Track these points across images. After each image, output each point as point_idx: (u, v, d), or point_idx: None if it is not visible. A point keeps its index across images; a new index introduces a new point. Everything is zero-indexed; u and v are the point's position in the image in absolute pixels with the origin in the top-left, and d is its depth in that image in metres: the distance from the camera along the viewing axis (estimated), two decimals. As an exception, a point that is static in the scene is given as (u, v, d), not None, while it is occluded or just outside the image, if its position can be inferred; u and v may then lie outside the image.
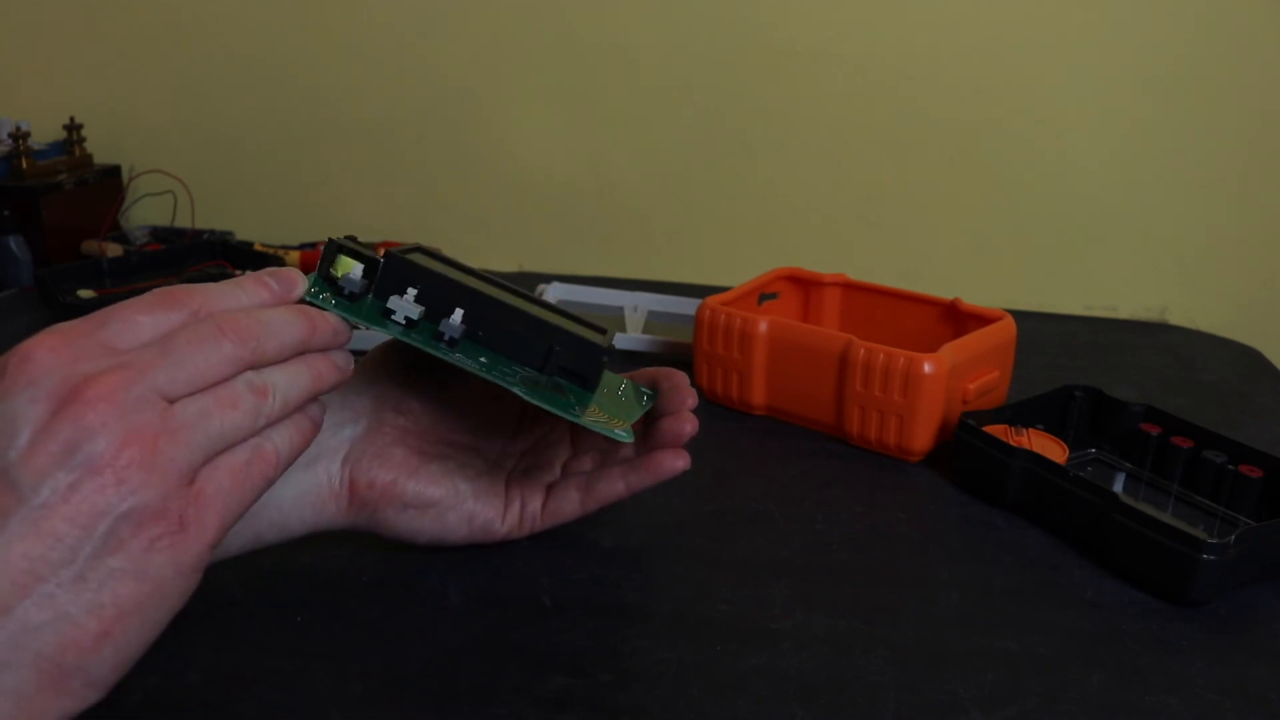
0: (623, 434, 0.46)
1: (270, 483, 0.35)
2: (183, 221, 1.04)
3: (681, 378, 0.52)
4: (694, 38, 0.94)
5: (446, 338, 0.43)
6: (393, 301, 0.42)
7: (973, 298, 0.73)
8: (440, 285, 0.44)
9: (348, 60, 1.02)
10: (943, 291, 0.73)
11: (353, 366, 0.40)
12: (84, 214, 1.01)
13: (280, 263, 0.89)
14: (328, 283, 0.42)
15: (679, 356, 0.77)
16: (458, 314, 0.43)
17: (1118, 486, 0.59)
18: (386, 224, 1.05)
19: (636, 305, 0.87)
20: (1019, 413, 0.62)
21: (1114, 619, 0.48)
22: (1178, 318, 0.93)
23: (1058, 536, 0.55)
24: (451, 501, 0.49)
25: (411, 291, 0.43)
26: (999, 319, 0.67)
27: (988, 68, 0.90)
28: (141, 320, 0.33)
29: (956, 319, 0.70)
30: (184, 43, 1.05)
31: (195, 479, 0.32)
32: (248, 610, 0.47)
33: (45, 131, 1.05)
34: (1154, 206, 0.91)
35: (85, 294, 0.81)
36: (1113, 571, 0.51)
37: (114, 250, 0.95)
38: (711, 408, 0.71)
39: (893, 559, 0.53)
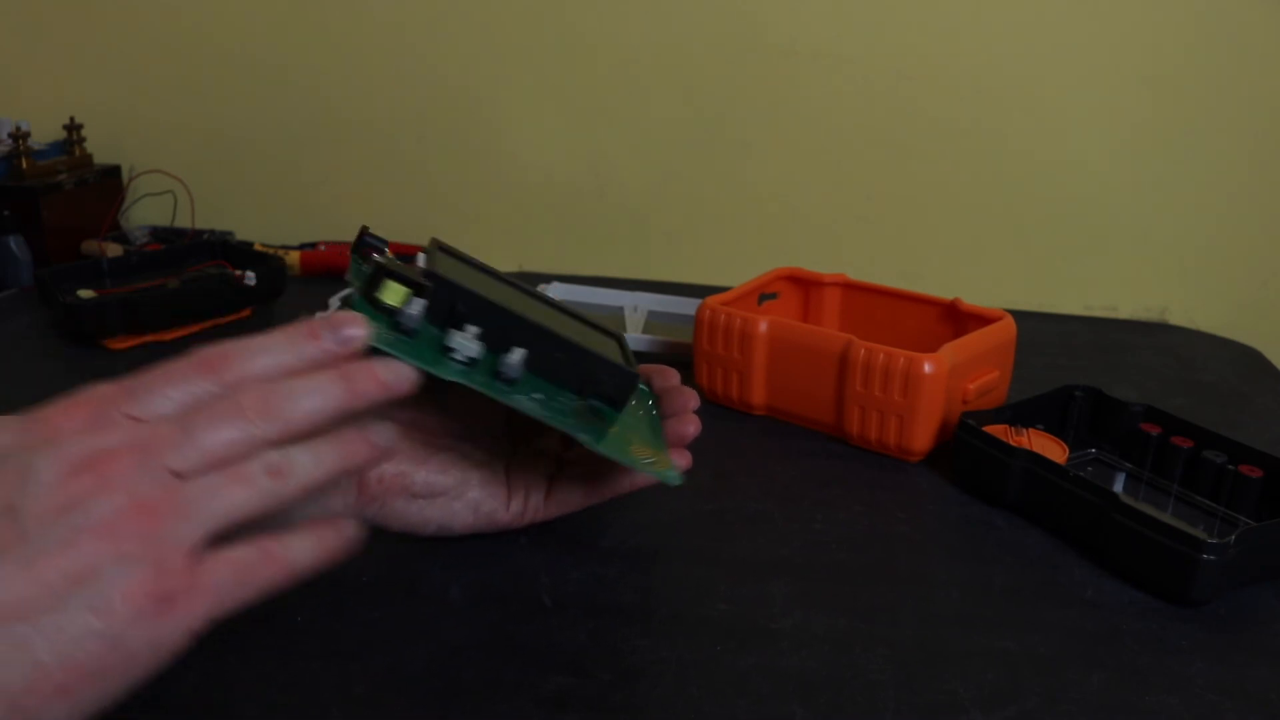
0: (674, 477, 0.48)
1: (273, 588, 0.34)
2: (183, 221, 1.04)
3: (675, 375, 0.53)
4: (694, 38, 0.94)
5: (506, 377, 0.42)
6: (454, 339, 0.41)
7: (973, 298, 0.73)
8: (500, 317, 0.42)
9: (348, 60, 1.02)
10: (943, 291, 0.73)
11: (392, 443, 0.38)
12: (84, 214, 1.01)
13: (280, 263, 0.89)
14: (372, 306, 0.40)
15: (679, 356, 0.77)
16: (518, 354, 0.42)
17: (1118, 486, 0.59)
18: (386, 224, 1.04)
19: (636, 305, 0.87)
20: (1019, 413, 0.62)
21: (1114, 619, 0.48)
22: (1178, 318, 0.93)
23: (1058, 536, 0.55)
24: (459, 490, 0.49)
25: (472, 329, 0.41)
26: (999, 319, 0.67)
27: (988, 68, 0.90)
28: (169, 393, 0.34)
29: (956, 319, 0.70)
30: (184, 43, 1.05)
31: (199, 561, 0.32)
32: (248, 610, 0.47)
33: (45, 131, 1.05)
34: (1154, 207, 0.91)
35: (85, 294, 0.81)
36: (1113, 571, 0.51)
37: (114, 250, 0.95)
38: (711, 408, 0.71)
39: (892, 559, 0.53)
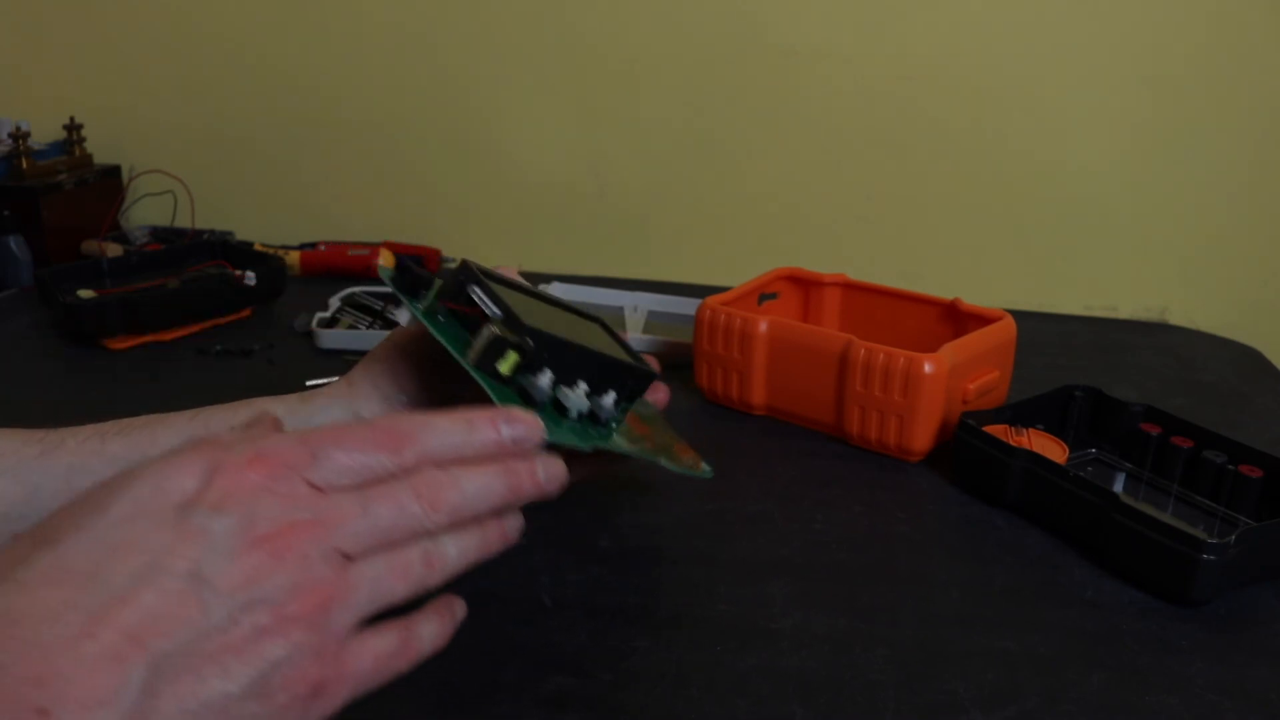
0: (707, 469, 0.54)
1: (399, 675, 0.34)
2: (183, 221, 1.04)
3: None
4: (694, 38, 0.94)
5: (573, 414, 0.44)
6: (567, 398, 0.43)
7: (973, 298, 0.73)
8: (569, 354, 0.45)
9: (348, 60, 1.02)
10: (943, 291, 0.73)
11: (518, 536, 0.38)
12: (84, 214, 1.01)
13: (280, 263, 0.89)
14: (486, 374, 0.42)
15: (679, 356, 0.77)
16: (582, 386, 0.45)
17: (1118, 486, 0.59)
18: (386, 224, 1.05)
19: (636, 305, 0.87)
20: (1019, 413, 0.62)
21: (1114, 619, 0.48)
22: (1178, 318, 0.93)
23: (1058, 536, 0.55)
24: None
25: (549, 374, 0.44)
26: (999, 319, 0.67)
27: (988, 68, 0.90)
28: (349, 463, 0.33)
29: (956, 319, 0.70)
30: (184, 43, 1.05)
31: (346, 647, 0.32)
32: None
33: (45, 131, 1.05)
34: (1154, 207, 0.91)
35: (85, 294, 0.81)
36: (1113, 571, 0.51)
37: (114, 250, 0.95)
38: (711, 408, 0.71)
39: (892, 559, 0.53)
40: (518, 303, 0.45)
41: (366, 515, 0.32)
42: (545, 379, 0.43)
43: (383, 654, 0.33)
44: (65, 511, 0.30)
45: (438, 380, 0.50)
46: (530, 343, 0.43)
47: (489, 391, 0.42)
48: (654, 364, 0.55)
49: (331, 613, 0.31)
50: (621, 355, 0.51)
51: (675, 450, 0.54)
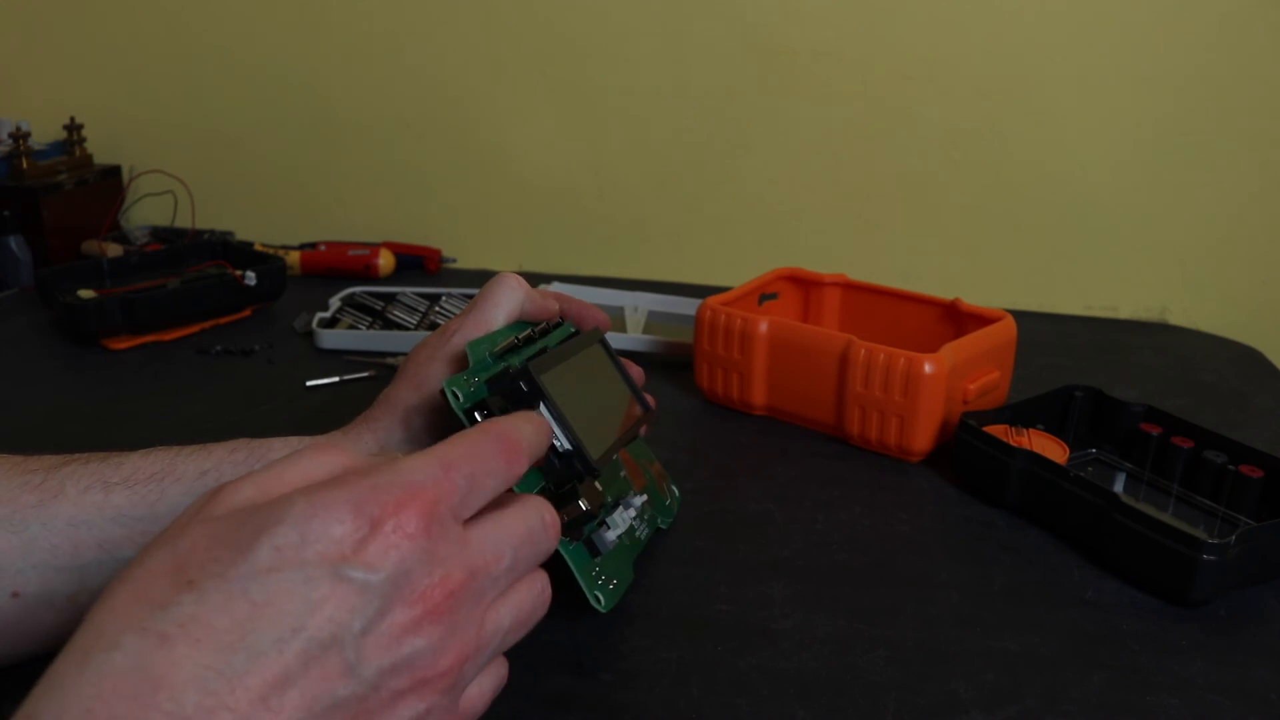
0: (677, 495, 0.57)
1: None
2: (183, 221, 1.04)
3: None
4: (694, 38, 0.94)
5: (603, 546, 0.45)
6: (603, 543, 0.44)
7: (973, 298, 0.73)
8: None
9: (348, 61, 1.02)
10: (943, 291, 0.73)
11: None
12: (84, 214, 1.01)
13: (280, 263, 0.89)
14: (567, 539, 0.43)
15: (679, 356, 0.77)
16: (631, 508, 0.48)
17: (1118, 486, 0.59)
18: (386, 224, 1.05)
19: (636, 305, 0.87)
20: (1019, 413, 0.62)
21: (1114, 619, 0.48)
22: (1178, 318, 0.93)
23: (1058, 536, 0.55)
24: None
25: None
26: (999, 319, 0.67)
27: (988, 68, 0.90)
28: (492, 486, 0.32)
29: (956, 319, 0.70)
30: (184, 43, 1.05)
31: (466, 692, 0.32)
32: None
33: (45, 131, 1.05)
34: (1154, 207, 0.91)
35: (85, 294, 0.81)
36: (1113, 571, 0.51)
37: (114, 250, 0.95)
38: (711, 408, 0.71)
39: (893, 559, 0.53)
40: (570, 400, 0.44)
41: (507, 559, 0.32)
42: (613, 532, 0.45)
43: (487, 691, 0.33)
44: (200, 542, 0.28)
45: (457, 426, 0.49)
46: (608, 500, 0.46)
47: (565, 555, 0.43)
48: (639, 374, 0.56)
49: (467, 671, 0.31)
50: (634, 405, 0.51)
51: (656, 481, 0.56)
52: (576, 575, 0.43)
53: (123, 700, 0.25)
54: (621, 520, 0.45)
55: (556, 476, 0.43)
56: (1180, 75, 0.87)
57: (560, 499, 0.42)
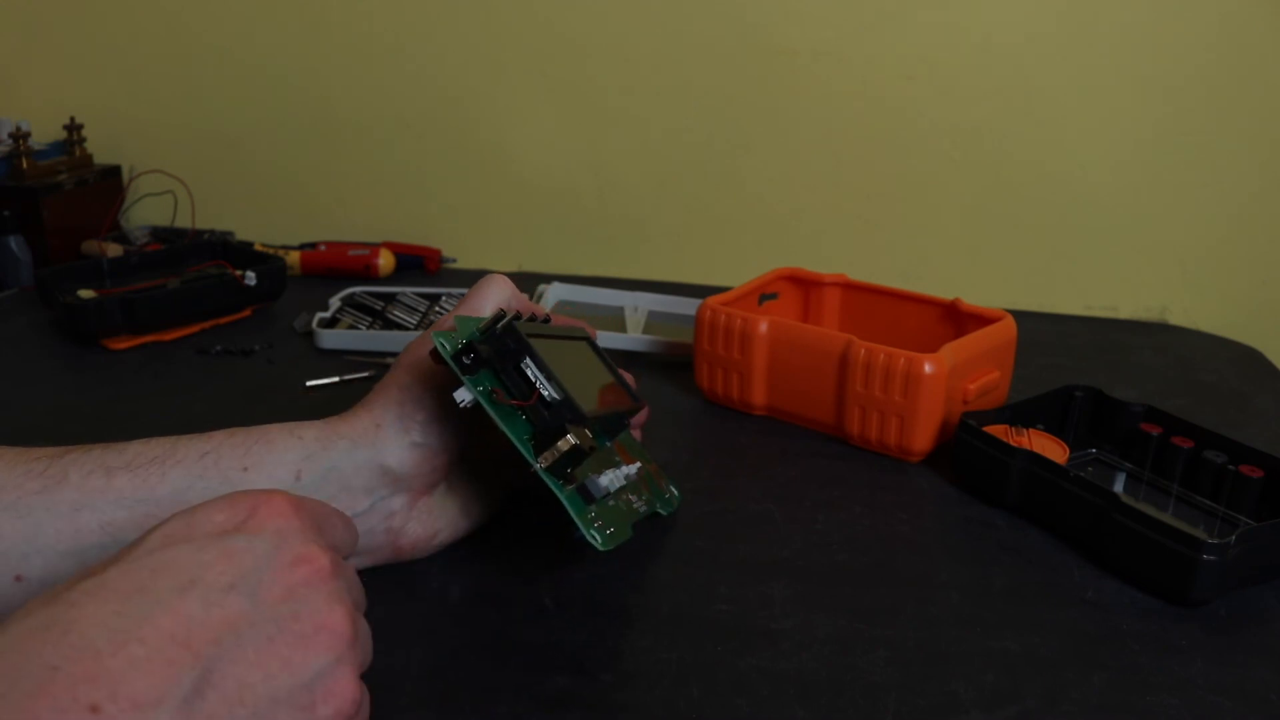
0: (676, 495, 0.58)
1: None
2: (183, 221, 1.04)
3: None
4: (693, 38, 0.94)
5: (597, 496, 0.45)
6: (596, 487, 0.44)
7: (973, 298, 0.73)
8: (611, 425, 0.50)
9: (348, 61, 1.02)
10: (943, 291, 0.73)
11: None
12: (84, 214, 1.01)
13: (280, 263, 0.89)
14: (557, 478, 0.44)
15: (679, 356, 0.77)
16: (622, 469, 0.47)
17: (1118, 486, 0.59)
18: (386, 224, 1.05)
19: (636, 305, 0.87)
20: (1019, 413, 0.62)
21: (1114, 619, 0.48)
22: (1178, 318, 0.93)
23: (1058, 536, 0.55)
24: (474, 523, 0.52)
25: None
26: (999, 319, 0.67)
27: (989, 68, 0.90)
28: (338, 524, 0.37)
29: (956, 319, 0.70)
30: (184, 43, 1.05)
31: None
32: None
33: (45, 131, 1.05)
34: (1154, 207, 0.91)
35: (85, 294, 0.81)
36: (1113, 571, 0.51)
37: (114, 250, 0.95)
38: (711, 408, 0.71)
39: (893, 559, 0.53)
40: (557, 365, 0.44)
41: (358, 587, 0.36)
42: (606, 478, 0.44)
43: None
44: (101, 560, 0.31)
45: (450, 410, 0.49)
46: (603, 444, 0.45)
47: (560, 496, 0.43)
48: (631, 380, 0.56)
49: (360, 641, 0.33)
50: (623, 395, 0.52)
51: (654, 477, 0.56)
52: (573, 515, 0.43)
53: (36, 645, 0.27)
54: (614, 477, 0.45)
55: (545, 426, 0.43)
56: (1180, 75, 0.87)
57: (550, 441, 0.43)
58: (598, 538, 0.44)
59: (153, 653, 0.28)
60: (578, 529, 0.44)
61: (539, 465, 0.43)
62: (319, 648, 0.31)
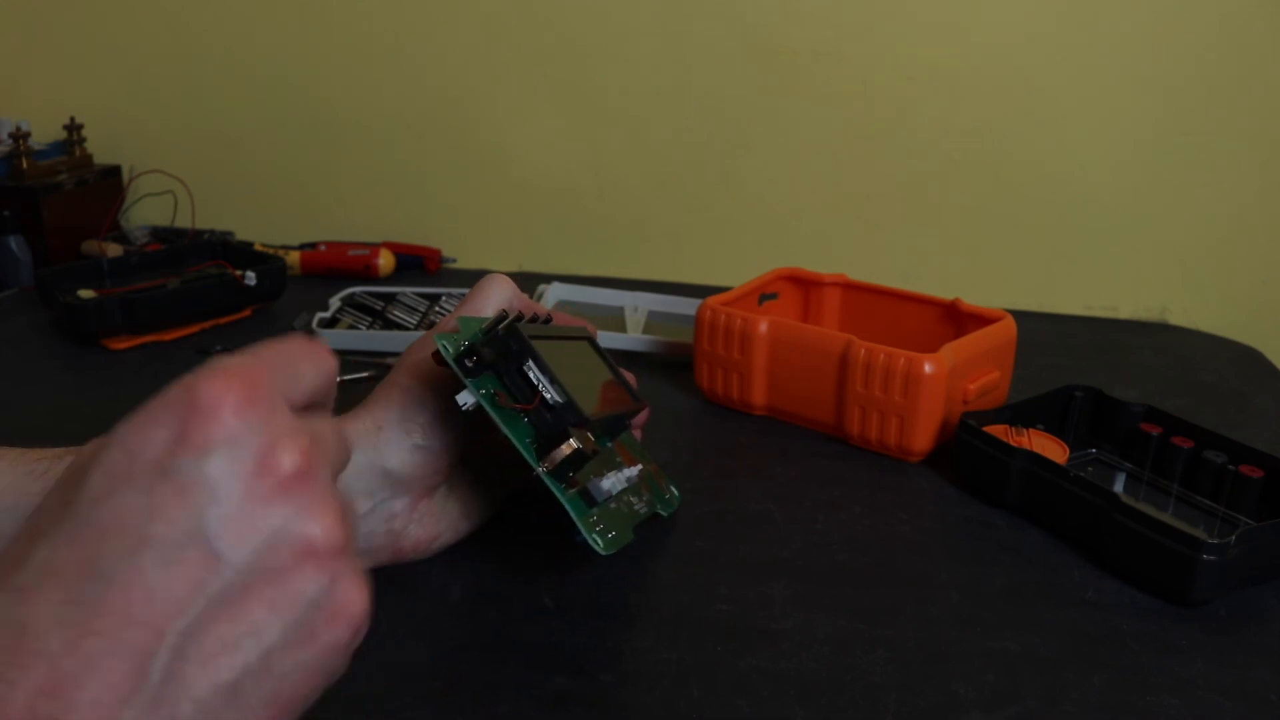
0: (676, 495, 0.57)
1: None
2: (183, 221, 1.04)
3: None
4: (693, 38, 0.94)
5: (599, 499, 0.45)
6: (599, 490, 0.45)
7: (973, 298, 0.73)
8: (613, 426, 0.50)
9: (348, 61, 1.02)
10: (943, 291, 0.73)
11: None
12: (84, 214, 1.01)
13: (280, 263, 0.89)
14: (559, 481, 0.44)
15: (679, 356, 0.77)
16: (624, 471, 0.47)
17: (1118, 486, 0.59)
18: (386, 224, 1.05)
19: (636, 305, 0.87)
20: (1019, 413, 0.62)
21: (1114, 619, 0.48)
22: (1178, 318, 0.93)
23: (1058, 536, 0.55)
24: (475, 524, 0.52)
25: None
26: (999, 319, 0.67)
27: (989, 68, 0.90)
28: (305, 369, 0.30)
29: (956, 319, 0.70)
30: (184, 43, 1.05)
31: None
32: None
33: (45, 131, 1.05)
34: (1154, 206, 0.91)
35: (85, 294, 0.81)
36: (1113, 571, 0.51)
37: (114, 250, 0.95)
38: (711, 408, 0.71)
39: (893, 559, 0.53)
40: (559, 367, 0.44)
41: (333, 437, 0.30)
42: (608, 481, 0.44)
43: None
44: (50, 495, 0.28)
45: (452, 411, 0.48)
46: (604, 445, 0.45)
47: (562, 500, 0.43)
48: (632, 379, 0.57)
49: (351, 533, 0.28)
50: (625, 396, 0.53)
51: (654, 477, 0.56)
52: (575, 519, 0.43)
53: None
54: (616, 479, 0.45)
55: (548, 429, 0.43)
56: (1180, 75, 0.87)
57: (552, 444, 0.43)
58: (599, 541, 0.44)
59: (110, 645, 0.25)
60: (579, 532, 0.44)
61: (541, 469, 0.43)
62: (306, 577, 0.27)
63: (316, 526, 0.27)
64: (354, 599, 0.28)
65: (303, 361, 0.30)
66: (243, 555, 0.26)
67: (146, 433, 0.27)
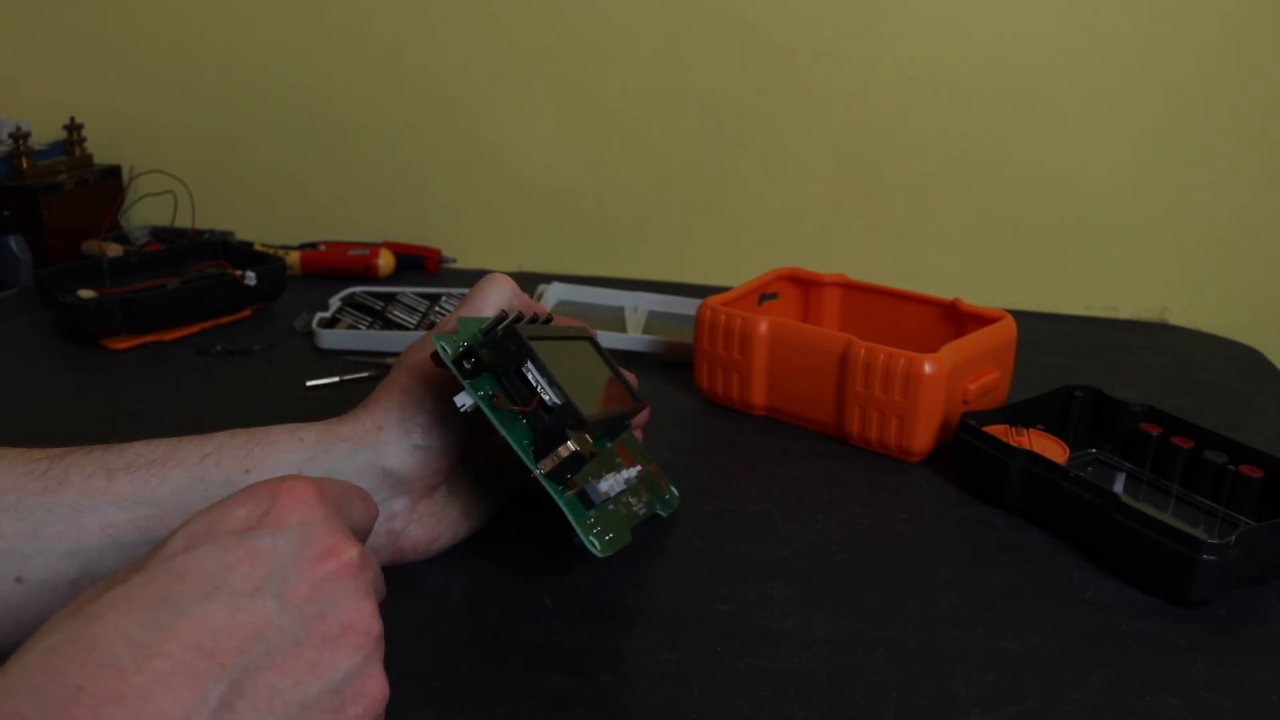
0: (676, 495, 0.57)
1: None
2: (183, 221, 1.04)
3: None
4: (693, 38, 0.94)
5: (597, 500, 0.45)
6: (596, 493, 0.45)
7: (973, 298, 0.73)
8: (612, 427, 0.50)
9: (348, 61, 1.02)
10: (943, 291, 0.73)
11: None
12: (84, 214, 1.01)
13: (280, 263, 0.89)
14: (557, 484, 0.44)
15: (679, 356, 0.77)
16: (622, 472, 0.47)
17: (1118, 486, 0.59)
18: (386, 224, 1.05)
19: (636, 305, 0.87)
20: (1019, 413, 0.62)
21: (1114, 619, 0.48)
22: (1178, 318, 0.93)
23: (1058, 536, 0.55)
24: (474, 525, 0.52)
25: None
26: (999, 319, 0.67)
27: (989, 68, 0.90)
28: (357, 504, 0.37)
29: (956, 319, 0.70)
30: (184, 43, 1.05)
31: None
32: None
33: (45, 131, 1.05)
34: (1154, 206, 0.91)
35: (85, 294, 0.81)
36: (1113, 571, 0.51)
37: (114, 250, 0.95)
38: (711, 408, 0.71)
39: (893, 559, 0.53)
40: (558, 368, 0.44)
41: (380, 575, 0.36)
42: (606, 483, 0.45)
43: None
44: (127, 565, 0.31)
45: (451, 412, 0.49)
46: (603, 445, 0.45)
47: (560, 502, 0.43)
48: (632, 380, 0.56)
49: (379, 640, 0.33)
50: (625, 396, 0.53)
51: (654, 478, 0.56)
52: (571, 521, 0.43)
53: (60, 663, 0.27)
54: (614, 481, 0.45)
55: (546, 431, 0.43)
56: (1180, 75, 0.87)
57: (550, 446, 0.43)
58: (596, 544, 0.44)
59: (178, 667, 0.27)
60: (576, 535, 0.44)
61: (539, 471, 0.43)
62: (347, 648, 0.31)
63: (364, 610, 0.32)
64: (381, 685, 0.32)
65: (356, 498, 0.36)
66: (299, 617, 0.30)
67: (228, 510, 0.32)
